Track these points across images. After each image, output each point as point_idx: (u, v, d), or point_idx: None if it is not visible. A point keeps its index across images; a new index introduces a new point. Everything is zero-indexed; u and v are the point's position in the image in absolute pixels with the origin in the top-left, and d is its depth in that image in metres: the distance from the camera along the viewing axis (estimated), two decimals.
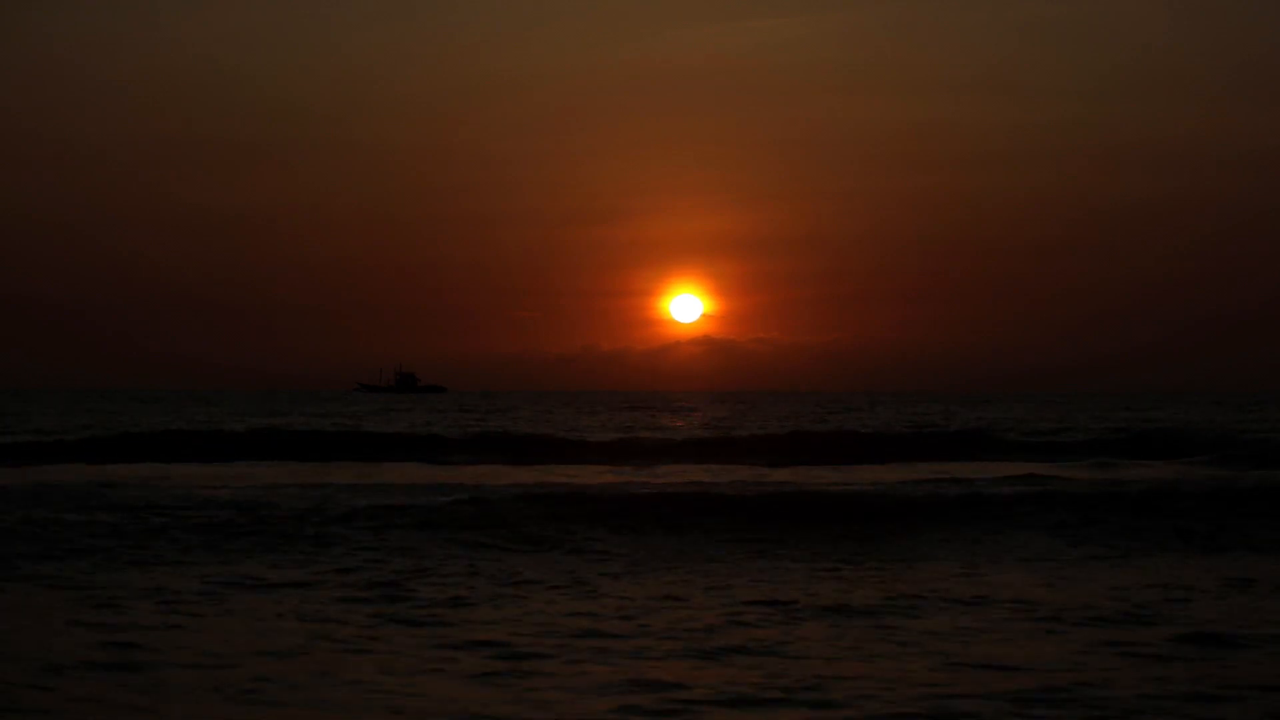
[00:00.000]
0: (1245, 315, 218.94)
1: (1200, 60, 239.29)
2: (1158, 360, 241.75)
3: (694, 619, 16.75)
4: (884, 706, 12.40)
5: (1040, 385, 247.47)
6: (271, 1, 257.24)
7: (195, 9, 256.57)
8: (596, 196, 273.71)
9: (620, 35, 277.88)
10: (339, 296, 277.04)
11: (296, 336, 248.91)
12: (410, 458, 52.23)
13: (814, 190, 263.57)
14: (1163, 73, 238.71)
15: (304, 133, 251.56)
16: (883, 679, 13.46)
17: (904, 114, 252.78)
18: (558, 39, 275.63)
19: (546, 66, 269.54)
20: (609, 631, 15.98)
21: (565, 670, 13.89)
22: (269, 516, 27.17)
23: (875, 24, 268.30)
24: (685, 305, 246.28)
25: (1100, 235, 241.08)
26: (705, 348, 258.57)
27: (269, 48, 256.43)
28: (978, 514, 28.56)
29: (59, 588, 19.18)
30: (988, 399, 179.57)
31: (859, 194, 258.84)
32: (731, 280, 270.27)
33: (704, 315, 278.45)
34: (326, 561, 22.13)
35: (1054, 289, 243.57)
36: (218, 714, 12.18)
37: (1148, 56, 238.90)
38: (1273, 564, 22.52)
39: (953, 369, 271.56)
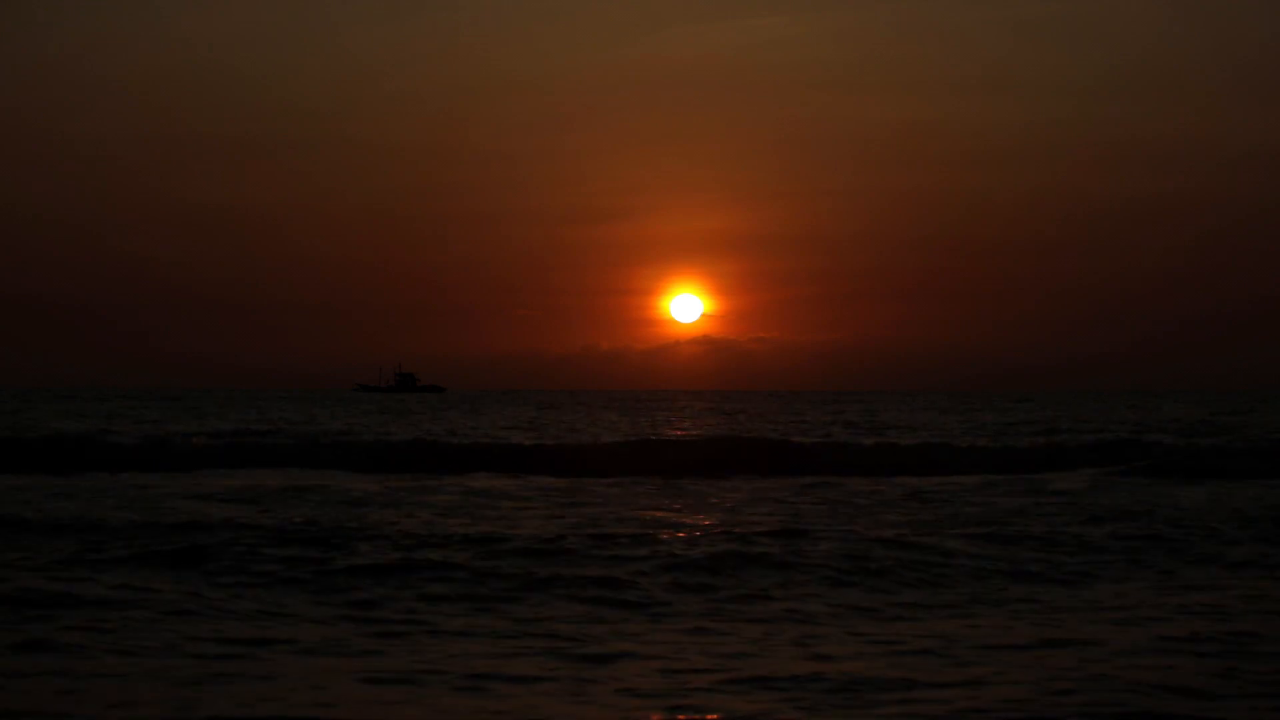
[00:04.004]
0: (1245, 313, 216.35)
1: (1199, 59, 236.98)
2: (1156, 358, 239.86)
3: None
4: None
5: (1038, 384, 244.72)
6: None
7: (198, 7, 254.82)
8: (597, 195, 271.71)
9: (620, 35, 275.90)
10: (341, 295, 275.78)
11: (298, 335, 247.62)
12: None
13: (813, 189, 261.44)
14: (1161, 71, 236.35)
15: (306, 131, 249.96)
16: None
17: (902, 112, 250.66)
18: (558, 38, 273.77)
19: (547, 66, 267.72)
20: None
21: None
22: None
23: (874, 22, 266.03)
24: (685, 305, 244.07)
25: (1098, 233, 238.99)
26: (705, 347, 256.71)
27: (272, 46, 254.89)
28: None
29: None
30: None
31: (858, 192, 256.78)
32: (731, 279, 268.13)
33: (704, 315, 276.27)
34: None
35: (1052, 287, 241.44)
36: None
37: (1146, 55, 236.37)
38: None
39: (951, 367, 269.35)
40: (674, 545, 22.27)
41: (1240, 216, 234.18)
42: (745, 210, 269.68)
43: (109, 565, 19.87)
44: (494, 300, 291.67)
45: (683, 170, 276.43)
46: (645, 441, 55.11)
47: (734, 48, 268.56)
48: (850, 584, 19.12)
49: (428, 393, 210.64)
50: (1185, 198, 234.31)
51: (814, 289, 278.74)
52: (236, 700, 12.12)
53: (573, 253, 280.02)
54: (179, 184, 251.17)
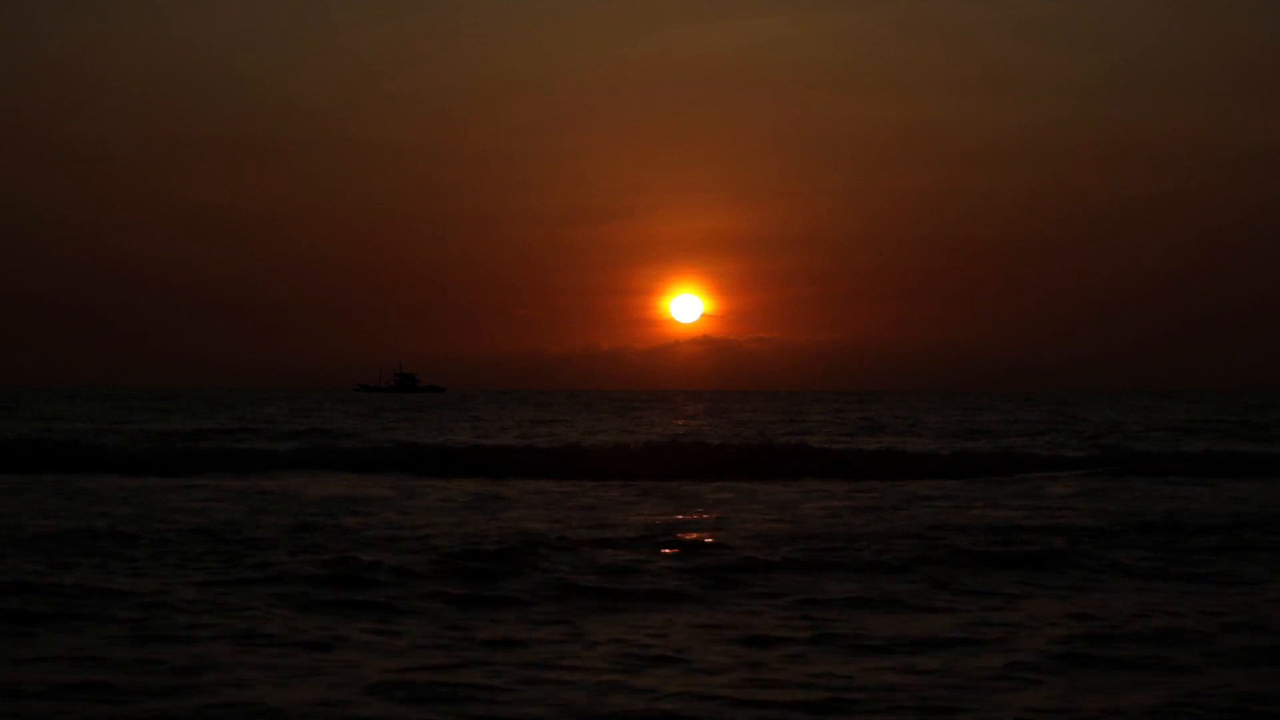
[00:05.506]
0: (1245, 313, 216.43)
1: (1199, 59, 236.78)
2: (1156, 358, 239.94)
3: None
4: None
5: (1038, 384, 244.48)
6: None
7: (198, 7, 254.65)
8: (597, 195, 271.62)
9: (620, 35, 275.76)
10: (341, 295, 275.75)
11: (298, 335, 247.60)
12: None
13: (813, 189, 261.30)
14: (1161, 71, 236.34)
15: (306, 131, 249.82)
16: None
17: (902, 112, 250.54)
18: (558, 38, 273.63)
19: (548, 66, 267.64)
20: None
21: None
22: None
23: (874, 22, 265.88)
24: (685, 305, 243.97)
25: (1098, 233, 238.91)
26: (705, 347, 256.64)
27: (272, 46, 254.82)
28: None
29: None
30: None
31: (858, 192, 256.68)
32: (731, 279, 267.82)
33: (704, 315, 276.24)
34: None
35: (1052, 287, 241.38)
36: None
37: (1146, 55, 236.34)
38: None
39: (951, 367, 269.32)
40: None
41: (1240, 216, 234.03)
42: (745, 210, 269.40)
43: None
44: (494, 300, 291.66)
45: (683, 170, 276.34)
46: (644, 444, 54.65)
47: (734, 48, 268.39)
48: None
49: (428, 393, 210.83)
50: (1185, 198, 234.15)
51: (814, 289, 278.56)
52: None
53: (573, 253, 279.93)
54: (179, 184, 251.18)
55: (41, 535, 24.18)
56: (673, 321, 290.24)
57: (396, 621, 16.32)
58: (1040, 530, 26.07)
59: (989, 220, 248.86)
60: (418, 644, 14.99)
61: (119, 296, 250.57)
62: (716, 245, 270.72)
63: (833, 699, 12.63)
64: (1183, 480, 40.89)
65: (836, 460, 48.77)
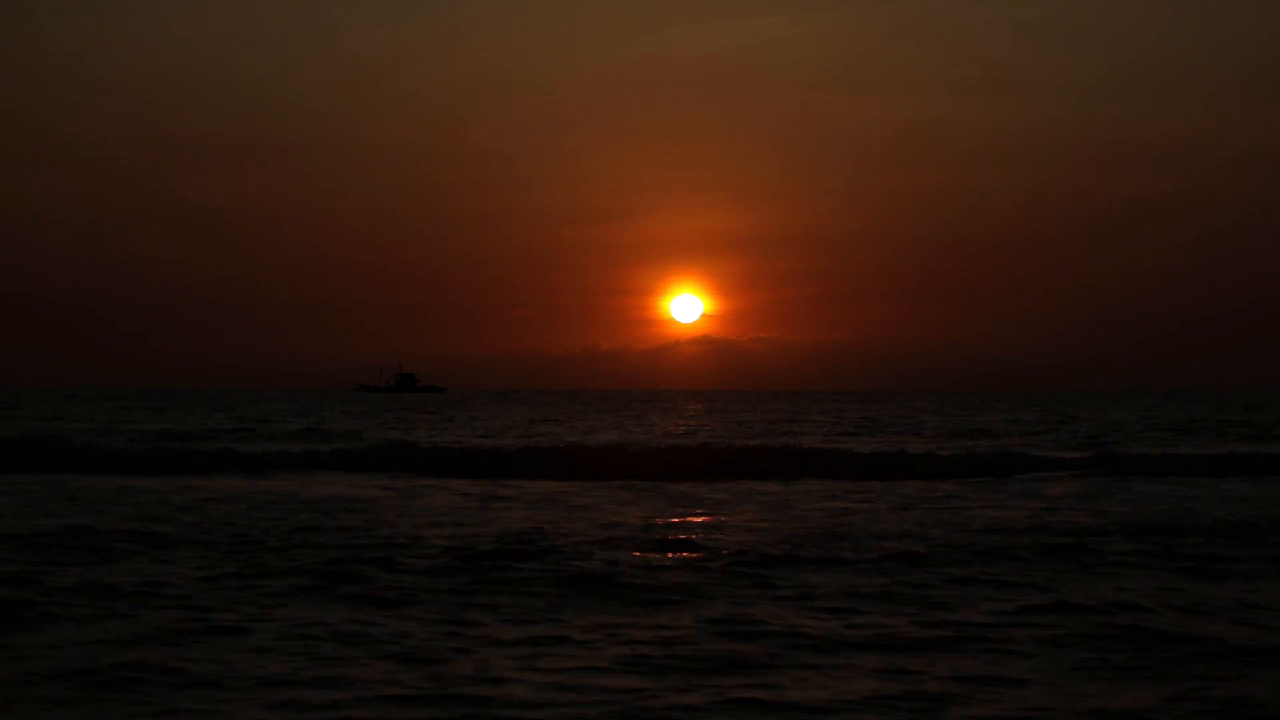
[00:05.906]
0: (1245, 313, 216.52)
1: (1199, 59, 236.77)
2: (1156, 358, 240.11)
3: None
4: None
5: (1038, 384, 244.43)
6: None
7: (198, 7, 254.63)
8: (597, 195, 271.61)
9: (620, 35, 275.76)
10: (341, 295, 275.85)
11: (298, 335, 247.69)
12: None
13: (813, 189, 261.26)
14: (1161, 71, 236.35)
15: (306, 131, 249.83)
16: None
17: (903, 112, 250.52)
18: (558, 38, 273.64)
19: (547, 66, 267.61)
20: None
21: None
22: None
23: (874, 22, 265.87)
24: (685, 305, 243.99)
25: (1098, 233, 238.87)
26: (705, 347, 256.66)
27: (272, 46, 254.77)
28: None
29: None
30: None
31: (858, 192, 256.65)
32: (731, 279, 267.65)
33: (704, 315, 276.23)
34: None
35: (1052, 287, 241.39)
36: None
37: (1146, 55, 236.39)
38: None
39: (951, 367, 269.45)
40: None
41: (1240, 216, 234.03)
42: (745, 210, 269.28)
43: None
44: (494, 300, 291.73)
45: (683, 170, 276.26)
46: (644, 444, 54.73)
47: (734, 48, 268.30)
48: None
49: (428, 393, 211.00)
50: (1185, 198, 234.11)
51: (814, 289, 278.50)
52: None
53: (573, 253, 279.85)
54: (179, 184, 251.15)
55: (41, 534, 24.21)
56: (673, 321, 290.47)
57: (394, 620, 16.35)
58: (1038, 530, 26.13)
59: (989, 220, 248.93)
60: (415, 642, 15.01)
61: (119, 296, 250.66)
62: (716, 245, 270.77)
63: (828, 696, 12.67)
64: (1182, 480, 40.94)
65: (836, 460, 48.78)
